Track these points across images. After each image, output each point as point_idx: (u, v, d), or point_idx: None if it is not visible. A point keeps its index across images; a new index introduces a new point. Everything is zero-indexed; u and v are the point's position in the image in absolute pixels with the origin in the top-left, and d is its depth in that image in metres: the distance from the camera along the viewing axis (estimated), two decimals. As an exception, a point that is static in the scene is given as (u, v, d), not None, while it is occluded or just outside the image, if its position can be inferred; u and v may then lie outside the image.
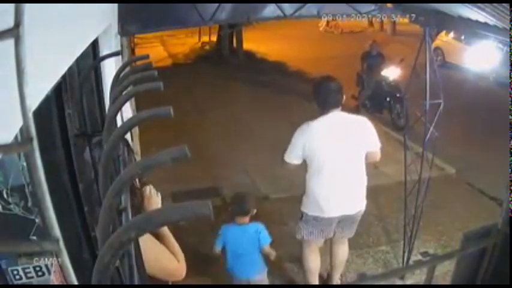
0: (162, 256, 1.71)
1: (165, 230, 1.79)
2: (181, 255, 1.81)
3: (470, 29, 3.04)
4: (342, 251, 3.40)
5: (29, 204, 1.30)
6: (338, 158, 2.92)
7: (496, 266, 2.21)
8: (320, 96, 2.96)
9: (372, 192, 3.25)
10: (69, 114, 1.69)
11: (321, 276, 3.58)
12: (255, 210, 3.16)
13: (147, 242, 1.60)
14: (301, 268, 3.73)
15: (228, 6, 3.59)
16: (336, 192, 2.98)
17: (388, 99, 7.02)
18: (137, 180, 1.82)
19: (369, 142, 3.00)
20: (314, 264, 3.35)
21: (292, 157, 2.99)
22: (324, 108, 2.93)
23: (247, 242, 3.14)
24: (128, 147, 2.01)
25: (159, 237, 1.75)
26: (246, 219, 3.15)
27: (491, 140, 5.26)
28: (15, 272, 1.30)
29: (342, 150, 2.92)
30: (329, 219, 3.07)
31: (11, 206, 1.28)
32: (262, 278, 3.28)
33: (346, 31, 15.85)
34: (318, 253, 3.34)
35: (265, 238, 3.14)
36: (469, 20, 2.87)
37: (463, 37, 10.14)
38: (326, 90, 2.94)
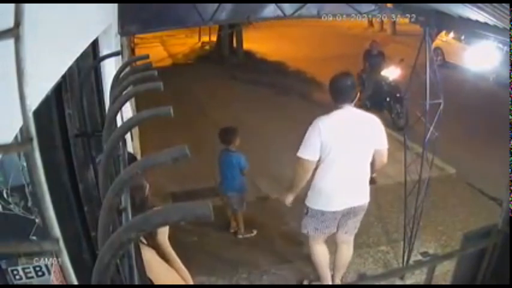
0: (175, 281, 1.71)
1: (172, 255, 1.79)
2: (191, 280, 1.81)
3: (470, 29, 3.04)
4: (347, 252, 3.41)
5: (29, 204, 1.30)
6: (348, 153, 2.97)
7: (496, 266, 2.21)
8: (334, 91, 3.03)
9: (372, 192, 3.25)
10: (69, 114, 1.69)
11: None
12: (237, 141, 4.02)
13: (159, 267, 1.61)
14: (301, 268, 3.75)
15: (228, 6, 3.59)
16: (342, 187, 3.03)
17: (388, 99, 7.02)
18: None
19: (378, 140, 3.06)
20: (323, 257, 3.39)
21: (307, 153, 2.99)
22: (336, 102, 3.00)
23: (229, 165, 4.02)
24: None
25: (167, 262, 1.75)
26: (230, 147, 4.01)
27: (491, 140, 5.25)
28: (15, 272, 1.30)
29: (353, 146, 2.97)
30: (334, 213, 3.11)
31: (11, 206, 1.28)
32: (239, 197, 4.14)
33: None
34: (325, 245, 3.37)
35: (244, 164, 4.03)
36: (469, 20, 2.87)
37: (463, 37, 10.14)
38: (340, 86, 3.01)
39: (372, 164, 3.14)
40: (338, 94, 3.01)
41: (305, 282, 3.67)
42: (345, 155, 2.97)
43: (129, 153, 1.96)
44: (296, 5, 3.74)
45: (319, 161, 3.01)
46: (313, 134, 2.96)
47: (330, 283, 3.50)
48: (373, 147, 3.05)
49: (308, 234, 3.28)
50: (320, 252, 3.37)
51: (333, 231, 3.26)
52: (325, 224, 3.18)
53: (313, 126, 2.99)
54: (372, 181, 3.37)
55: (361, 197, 3.15)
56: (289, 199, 3.24)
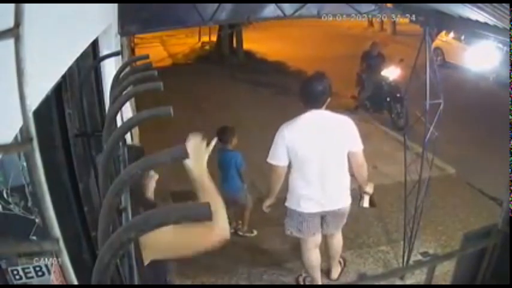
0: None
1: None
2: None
3: (470, 29, 3.04)
4: (337, 241, 3.44)
5: (29, 204, 1.29)
6: (317, 156, 2.96)
7: (496, 266, 2.21)
8: (303, 94, 3.01)
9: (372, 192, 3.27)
10: (69, 114, 1.69)
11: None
12: (234, 140, 4.01)
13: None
14: (301, 268, 3.74)
15: (228, 6, 3.60)
16: (314, 189, 3.02)
17: (388, 99, 7.02)
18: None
19: (350, 141, 3.01)
20: (312, 262, 3.39)
21: (275, 159, 3.04)
22: (305, 106, 2.99)
23: (227, 164, 4.01)
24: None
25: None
26: (227, 146, 3.99)
27: (491, 140, 5.25)
28: (15, 272, 1.30)
29: (322, 149, 2.95)
30: (310, 214, 3.12)
31: (11, 206, 1.28)
32: (240, 194, 4.12)
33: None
34: (316, 249, 3.36)
35: (240, 162, 4.03)
36: (469, 20, 2.87)
37: (463, 37, 10.13)
38: (308, 90, 2.98)
39: (359, 178, 3.14)
40: (306, 98, 2.98)
41: (300, 279, 3.69)
42: (313, 158, 2.96)
43: (138, 146, 1.92)
44: (296, 5, 3.74)
45: (291, 162, 3.03)
46: (279, 139, 3.00)
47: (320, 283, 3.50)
48: (346, 149, 3.01)
49: (292, 234, 3.29)
50: (308, 255, 3.36)
51: (317, 232, 3.25)
52: (305, 225, 3.17)
53: (279, 132, 3.02)
54: (371, 203, 3.31)
55: (339, 200, 3.13)
56: (265, 204, 3.28)
